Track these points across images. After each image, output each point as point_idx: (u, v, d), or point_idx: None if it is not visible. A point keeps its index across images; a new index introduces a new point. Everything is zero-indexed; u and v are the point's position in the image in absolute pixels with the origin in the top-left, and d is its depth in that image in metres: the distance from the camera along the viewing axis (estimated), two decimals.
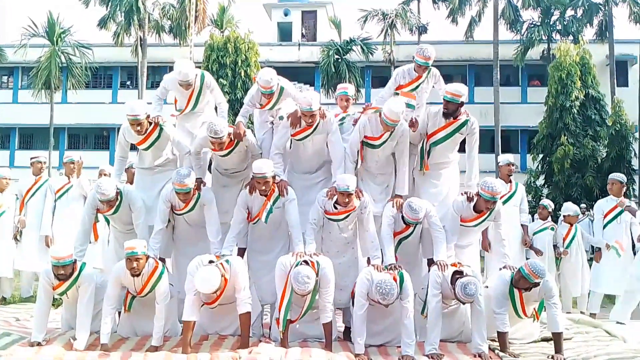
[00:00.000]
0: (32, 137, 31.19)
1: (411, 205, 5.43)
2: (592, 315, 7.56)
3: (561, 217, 8.87)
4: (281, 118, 5.89)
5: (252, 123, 6.65)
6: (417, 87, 6.07)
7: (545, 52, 26.12)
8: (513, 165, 7.60)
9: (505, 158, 7.69)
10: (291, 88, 5.92)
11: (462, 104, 5.68)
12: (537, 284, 5.12)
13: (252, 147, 5.79)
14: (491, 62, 25.74)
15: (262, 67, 22.57)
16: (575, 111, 19.67)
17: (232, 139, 5.59)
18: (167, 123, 5.85)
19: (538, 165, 21.01)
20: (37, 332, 5.17)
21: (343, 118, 6.14)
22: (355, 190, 5.41)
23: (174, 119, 6.22)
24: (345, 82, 21.68)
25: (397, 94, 6.07)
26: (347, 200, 5.35)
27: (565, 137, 19.40)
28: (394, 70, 6.21)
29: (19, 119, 30.29)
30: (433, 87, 6.20)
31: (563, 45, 20.47)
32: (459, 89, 5.64)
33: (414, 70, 6.04)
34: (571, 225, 8.54)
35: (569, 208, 8.71)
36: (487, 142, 26.65)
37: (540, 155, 20.81)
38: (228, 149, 5.62)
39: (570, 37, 24.58)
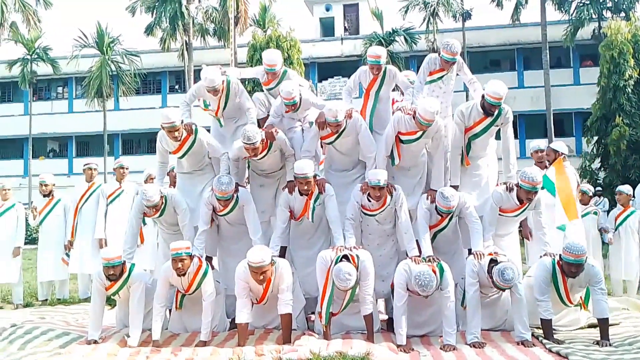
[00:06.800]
0: (88, 145, 32.40)
1: (443, 193, 5.44)
2: None
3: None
4: (311, 124, 5.99)
5: None
6: (442, 76, 6.06)
7: (596, 30, 25.21)
8: (542, 151, 7.20)
9: (534, 144, 7.38)
10: (312, 97, 6.08)
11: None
12: (580, 264, 5.01)
13: (285, 146, 5.92)
14: (540, 45, 24.97)
15: (304, 64, 22.93)
16: (630, 90, 18.99)
17: (265, 140, 5.72)
18: (201, 128, 6.03)
19: (593, 148, 20.39)
20: (93, 331, 5.44)
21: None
22: (388, 185, 5.47)
23: (210, 120, 6.39)
24: None
25: (431, 82, 6.07)
26: (379, 194, 5.43)
27: (621, 118, 18.77)
28: (425, 58, 6.20)
29: (75, 128, 31.58)
30: (457, 74, 6.18)
31: (614, 23, 19.75)
32: (500, 91, 5.54)
33: (440, 64, 6.02)
34: (624, 207, 8.29)
35: (620, 190, 8.47)
36: (540, 126, 26.03)
37: (595, 138, 20.18)
38: (262, 152, 5.77)
39: (622, 14, 23.65)
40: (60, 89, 33.53)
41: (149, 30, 28.28)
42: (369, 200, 5.54)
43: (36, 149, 31.07)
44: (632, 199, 8.48)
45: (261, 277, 5.13)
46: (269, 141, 5.76)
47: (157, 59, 30.02)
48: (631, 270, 8.08)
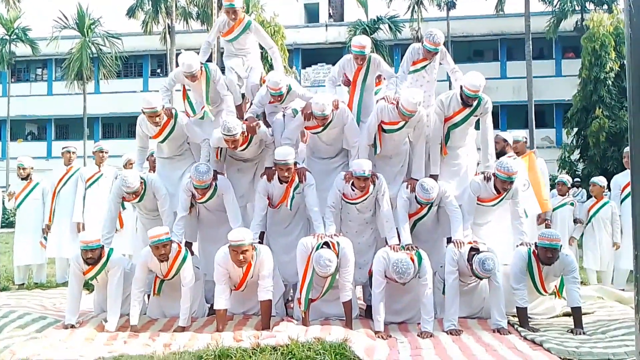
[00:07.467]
0: (67, 128, 32.04)
1: (423, 185, 5.47)
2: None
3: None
4: (295, 111, 5.95)
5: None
6: (425, 65, 6.08)
7: (578, 23, 25.43)
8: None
9: (515, 134, 7.32)
10: (299, 88, 6.03)
11: None
12: (556, 249, 5.09)
13: (265, 136, 5.89)
14: (523, 36, 25.13)
15: (288, 50, 22.75)
16: (610, 83, 19.22)
17: (246, 134, 5.68)
18: (181, 113, 5.98)
19: (572, 140, 20.61)
20: (70, 315, 5.41)
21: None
22: (371, 174, 5.48)
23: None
24: None
25: (414, 71, 6.08)
26: (363, 184, 5.44)
27: (600, 110, 18.98)
28: (409, 47, 6.20)
29: (54, 111, 31.19)
30: (440, 63, 6.18)
31: (596, 16, 19.94)
32: (477, 83, 5.53)
33: (423, 53, 6.03)
34: (597, 198, 8.36)
35: (594, 181, 8.57)
36: (521, 117, 26.25)
37: (575, 130, 20.40)
38: (243, 145, 5.74)
39: (605, 7, 23.85)
40: (39, 71, 33.06)
41: (131, 13, 27.91)
42: (352, 190, 5.55)
43: (14, 132, 30.64)
44: (606, 191, 8.58)
45: (241, 258, 5.10)
46: (249, 134, 5.72)
47: (138, 42, 29.69)
48: (604, 261, 8.20)
